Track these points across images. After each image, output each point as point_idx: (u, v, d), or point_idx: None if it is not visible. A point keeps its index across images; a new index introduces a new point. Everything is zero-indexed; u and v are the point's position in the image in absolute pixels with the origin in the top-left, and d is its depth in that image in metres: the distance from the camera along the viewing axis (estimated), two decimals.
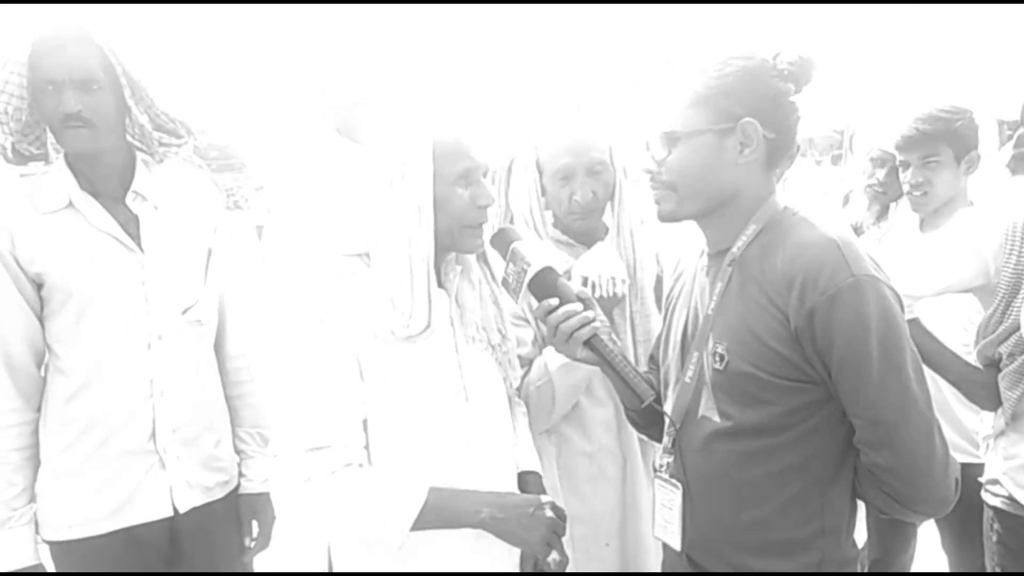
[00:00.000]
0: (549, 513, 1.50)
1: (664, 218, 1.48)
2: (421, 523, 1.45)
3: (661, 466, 1.53)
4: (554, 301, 1.51)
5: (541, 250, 1.59)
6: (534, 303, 1.57)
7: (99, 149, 1.75)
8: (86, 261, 1.75)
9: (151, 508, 1.82)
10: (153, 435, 1.81)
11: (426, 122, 1.53)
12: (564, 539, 1.55)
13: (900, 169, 2.31)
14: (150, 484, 1.81)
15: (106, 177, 1.80)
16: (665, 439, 1.53)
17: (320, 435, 1.45)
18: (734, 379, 1.39)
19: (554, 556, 1.52)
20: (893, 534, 2.60)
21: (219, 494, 1.93)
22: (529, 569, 1.65)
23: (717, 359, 1.41)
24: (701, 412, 1.45)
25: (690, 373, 1.47)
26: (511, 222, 2.01)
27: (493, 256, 1.68)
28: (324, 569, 1.61)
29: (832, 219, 1.56)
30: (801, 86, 1.40)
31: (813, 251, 1.32)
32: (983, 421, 2.03)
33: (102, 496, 1.78)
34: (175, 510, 1.84)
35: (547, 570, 1.58)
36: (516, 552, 1.62)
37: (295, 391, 1.47)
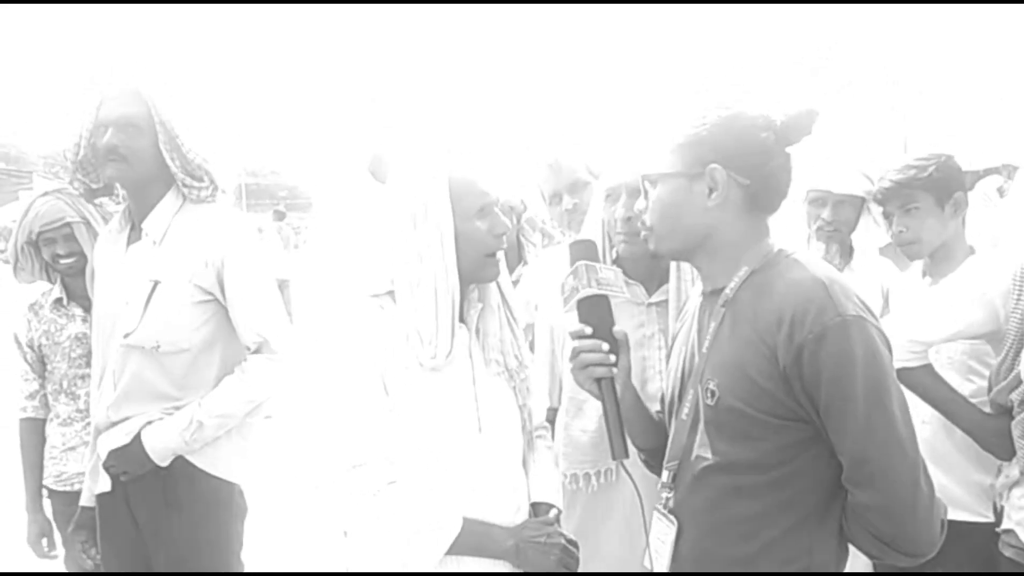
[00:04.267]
0: (559, 539, 1.62)
1: (651, 256, 1.56)
2: (452, 550, 1.57)
3: (660, 501, 1.57)
4: (589, 329, 1.55)
5: (607, 277, 1.59)
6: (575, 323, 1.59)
7: (133, 180, 2.06)
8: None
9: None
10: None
11: (442, 163, 1.64)
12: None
13: (886, 222, 2.33)
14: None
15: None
16: (664, 474, 1.57)
17: (359, 453, 1.57)
18: (724, 415, 1.42)
19: None
20: None
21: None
22: None
23: (709, 395, 1.44)
24: (696, 449, 1.49)
25: (686, 410, 1.51)
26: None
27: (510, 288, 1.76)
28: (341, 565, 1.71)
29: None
30: (794, 138, 1.44)
31: (802, 291, 1.36)
32: (1001, 471, 2.00)
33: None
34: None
35: None
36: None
37: (331, 416, 1.61)
